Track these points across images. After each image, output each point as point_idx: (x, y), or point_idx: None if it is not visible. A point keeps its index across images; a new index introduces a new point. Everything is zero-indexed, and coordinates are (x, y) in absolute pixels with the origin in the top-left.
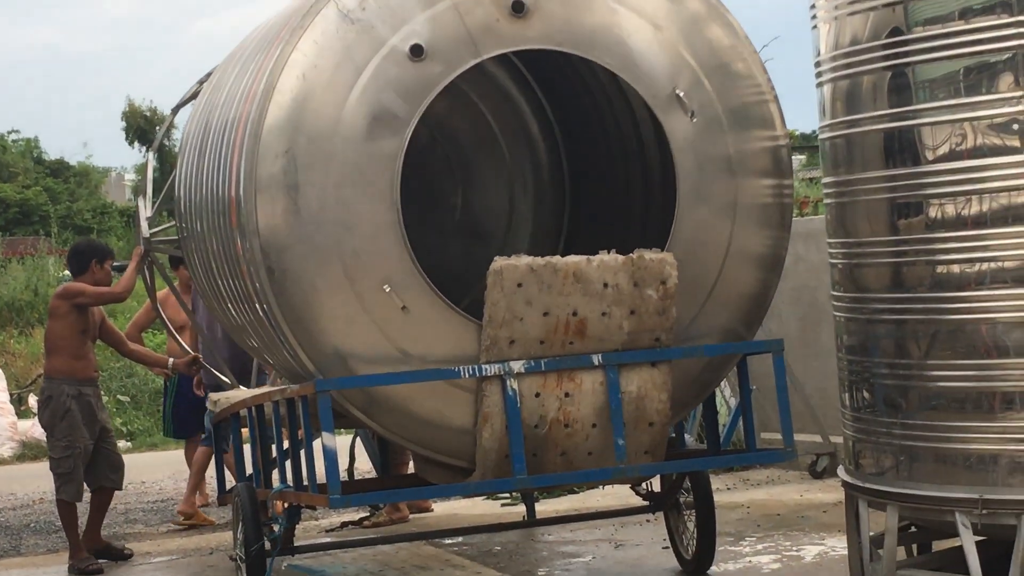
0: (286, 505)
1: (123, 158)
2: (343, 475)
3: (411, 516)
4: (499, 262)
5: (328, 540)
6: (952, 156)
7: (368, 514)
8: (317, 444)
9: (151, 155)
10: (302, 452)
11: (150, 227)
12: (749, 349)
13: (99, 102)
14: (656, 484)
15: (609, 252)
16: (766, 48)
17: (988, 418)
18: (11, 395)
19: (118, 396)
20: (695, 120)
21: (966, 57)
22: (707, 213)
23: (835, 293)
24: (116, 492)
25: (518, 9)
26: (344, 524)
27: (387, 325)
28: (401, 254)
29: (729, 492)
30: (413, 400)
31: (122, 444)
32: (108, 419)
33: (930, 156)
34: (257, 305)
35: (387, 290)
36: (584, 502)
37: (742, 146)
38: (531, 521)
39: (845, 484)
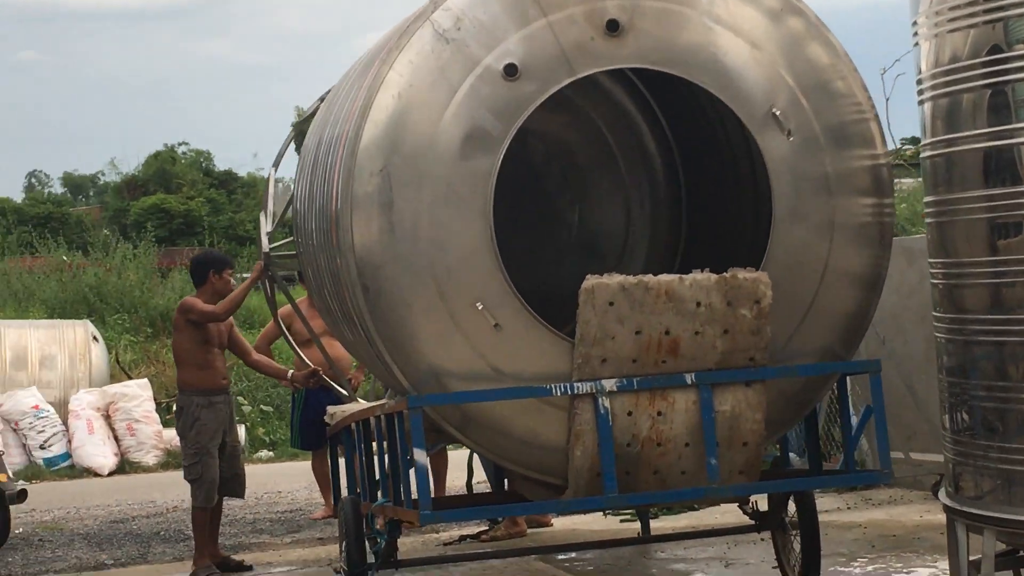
0: (386, 520)
1: (292, 169)
2: (462, 489)
3: (529, 531)
4: (590, 280)
5: (435, 554)
6: None
7: (486, 528)
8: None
9: (272, 170)
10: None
11: (270, 242)
12: (846, 369)
13: (271, 113)
14: (763, 503)
15: (703, 271)
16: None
17: None
18: (159, 403)
19: (262, 406)
20: (792, 139)
21: None
22: (804, 232)
23: (936, 314)
24: (242, 502)
25: (613, 28)
26: (463, 538)
27: (480, 343)
28: (494, 272)
29: (849, 511)
30: (507, 418)
31: (264, 454)
32: (235, 430)
33: None
34: (356, 322)
35: (480, 308)
36: (703, 519)
37: (840, 165)
38: (644, 538)
39: (945, 507)
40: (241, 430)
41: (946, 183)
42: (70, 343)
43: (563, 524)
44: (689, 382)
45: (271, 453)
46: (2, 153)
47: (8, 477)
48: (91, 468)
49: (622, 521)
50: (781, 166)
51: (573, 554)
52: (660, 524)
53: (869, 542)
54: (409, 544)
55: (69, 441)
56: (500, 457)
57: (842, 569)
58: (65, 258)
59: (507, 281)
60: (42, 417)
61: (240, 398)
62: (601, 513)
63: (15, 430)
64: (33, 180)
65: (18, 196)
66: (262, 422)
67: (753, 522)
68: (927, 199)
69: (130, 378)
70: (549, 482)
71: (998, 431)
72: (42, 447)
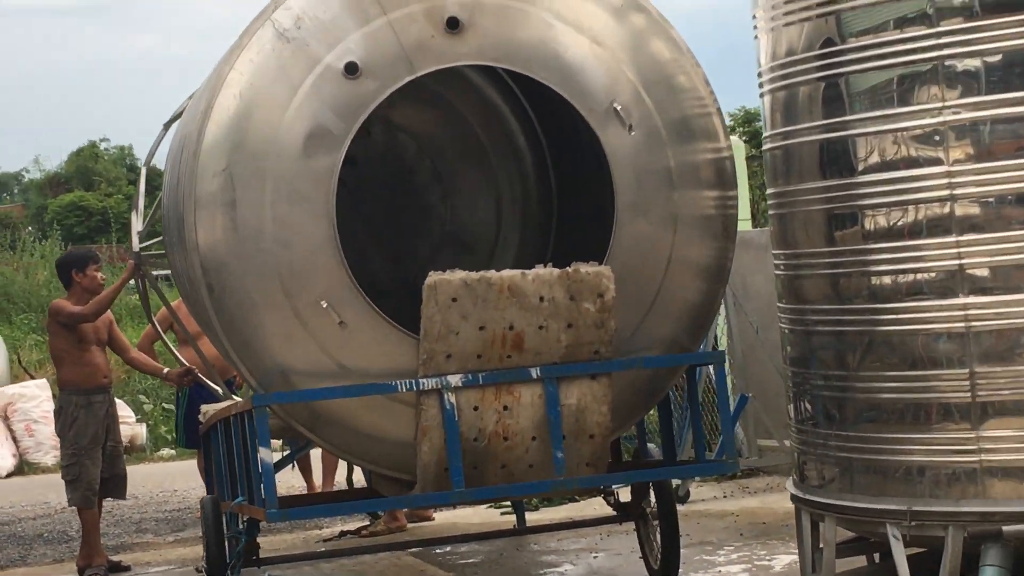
0: (244, 518)
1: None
2: (343, 484)
3: (409, 525)
4: (433, 277)
5: (302, 551)
6: (882, 167)
7: (367, 523)
8: None
9: (143, 168)
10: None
11: (141, 241)
12: (689, 360)
13: None
14: (625, 494)
15: (546, 266)
16: None
17: (916, 429)
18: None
19: (164, 404)
20: (633, 133)
21: (894, 68)
22: (647, 225)
23: (779, 305)
24: (132, 502)
25: (453, 25)
26: (342, 533)
27: (326, 340)
28: (338, 270)
29: (724, 500)
30: (354, 415)
31: (166, 452)
32: (117, 430)
33: (861, 167)
34: (204, 321)
35: (324, 306)
36: (581, 511)
37: (683, 158)
38: (517, 530)
39: (792, 497)
40: (142, 428)
41: (785, 175)
42: None
43: (444, 518)
44: (535, 376)
45: (173, 451)
46: None
47: None
48: None
49: (503, 514)
50: (623, 160)
51: (448, 547)
52: (539, 516)
53: (739, 530)
54: (289, 541)
55: None
56: (350, 454)
57: (707, 557)
58: None
59: (350, 278)
60: None
61: (142, 396)
62: (484, 506)
63: None
64: None
65: None
66: (164, 420)
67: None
68: (768, 191)
69: (32, 378)
70: (399, 478)
71: (836, 420)
72: None
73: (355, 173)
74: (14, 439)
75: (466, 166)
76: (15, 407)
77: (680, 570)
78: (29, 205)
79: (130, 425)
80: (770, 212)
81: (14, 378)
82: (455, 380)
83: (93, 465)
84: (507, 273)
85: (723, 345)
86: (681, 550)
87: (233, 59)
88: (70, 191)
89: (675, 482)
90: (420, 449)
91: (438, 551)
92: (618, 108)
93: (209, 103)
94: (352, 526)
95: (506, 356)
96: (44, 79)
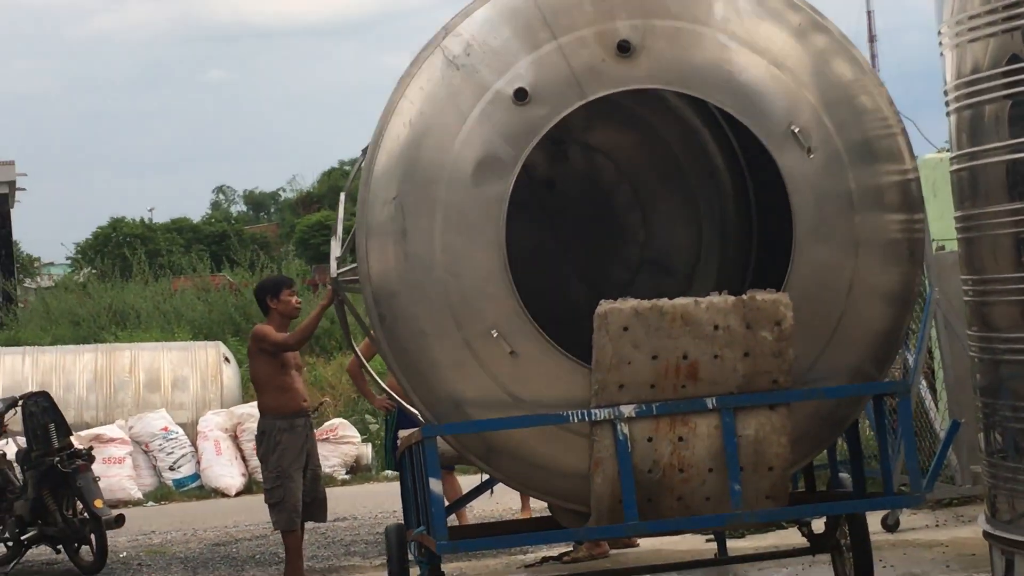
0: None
1: None
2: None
3: (612, 551)
4: (604, 306)
5: None
6: None
7: (570, 548)
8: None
9: (343, 195)
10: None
11: (340, 266)
12: (872, 390)
13: None
14: (819, 525)
15: (721, 293)
16: None
17: None
18: None
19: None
20: (812, 156)
21: None
22: (828, 251)
23: (969, 332)
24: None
25: (624, 49)
26: (544, 559)
27: (497, 370)
28: (508, 299)
29: (936, 529)
30: (529, 446)
31: (391, 472)
32: (316, 453)
33: None
34: (381, 350)
35: (495, 335)
36: (787, 539)
37: (866, 181)
38: (719, 559)
39: (984, 532)
40: (368, 448)
41: (971, 198)
42: (202, 365)
43: (650, 544)
44: (710, 406)
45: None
46: (191, 171)
47: (103, 503)
48: (219, 488)
49: (707, 540)
50: (802, 184)
51: None
52: (744, 544)
53: (946, 561)
54: (491, 566)
55: (198, 462)
56: (525, 486)
57: None
58: (230, 278)
59: (521, 307)
60: (171, 439)
61: (369, 416)
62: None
63: (145, 452)
64: (220, 196)
65: (205, 213)
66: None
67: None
68: (956, 214)
69: None
70: (576, 509)
71: None
72: (171, 468)
73: (553, 196)
74: (243, 458)
75: (665, 188)
76: (244, 427)
77: None
78: (283, 224)
79: (355, 445)
80: (958, 236)
81: (250, 397)
82: (628, 410)
83: (296, 488)
84: (680, 301)
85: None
86: None
87: (403, 87)
88: (320, 210)
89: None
90: (594, 480)
91: None
92: (796, 131)
93: (380, 132)
94: (555, 552)
95: (680, 386)
96: (303, 100)
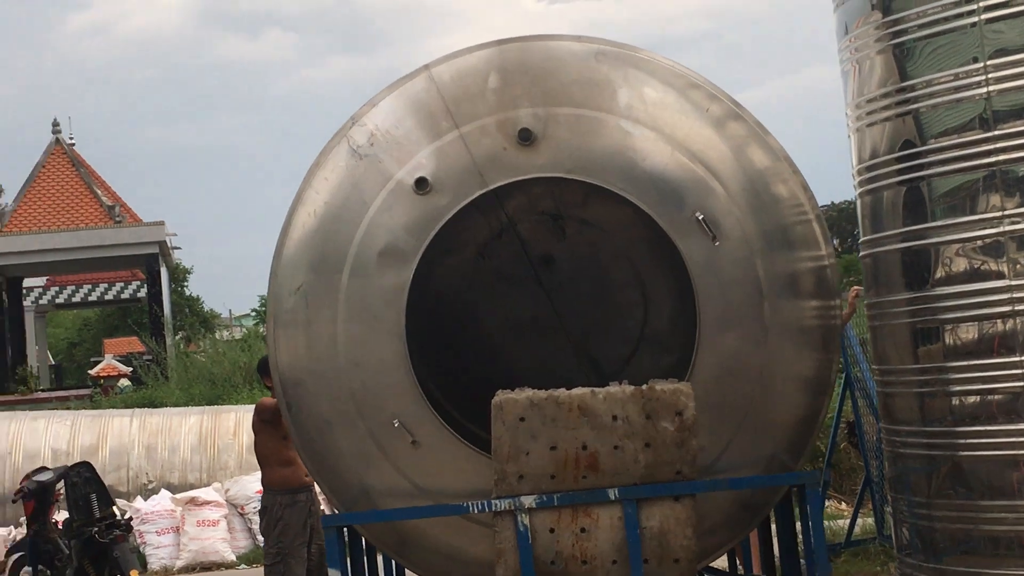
0: None
1: None
2: None
3: None
4: (499, 396)
5: None
6: (958, 278)
7: None
8: None
9: None
10: None
11: None
12: (778, 481)
13: None
14: None
15: (620, 383)
16: None
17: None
18: None
19: None
20: (718, 244)
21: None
22: (734, 338)
23: (881, 425)
24: None
25: (525, 137)
26: None
27: (400, 460)
28: (411, 389)
29: None
30: (437, 537)
31: None
32: (320, 525)
33: (940, 276)
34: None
35: (396, 425)
36: None
37: (777, 268)
38: None
39: None
40: None
41: (875, 286)
42: None
43: None
44: (612, 498)
45: None
46: None
47: (138, 573)
48: None
49: None
50: (706, 271)
51: None
52: None
53: None
54: None
55: None
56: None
57: None
58: None
59: (423, 397)
60: None
61: None
62: None
63: (241, 514)
64: None
65: None
66: None
67: None
68: (865, 303)
69: None
70: None
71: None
72: None
73: (551, 273)
74: None
75: (661, 266)
76: None
77: None
78: None
79: None
80: (868, 324)
81: None
82: (528, 501)
83: (298, 564)
84: (577, 391)
85: None
86: None
87: (311, 177)
88: None
89: None
90: (496, 572)
91: None
92: (700, 218)
93: (288, 222)
94: None
95: (582, 476)
96: None
